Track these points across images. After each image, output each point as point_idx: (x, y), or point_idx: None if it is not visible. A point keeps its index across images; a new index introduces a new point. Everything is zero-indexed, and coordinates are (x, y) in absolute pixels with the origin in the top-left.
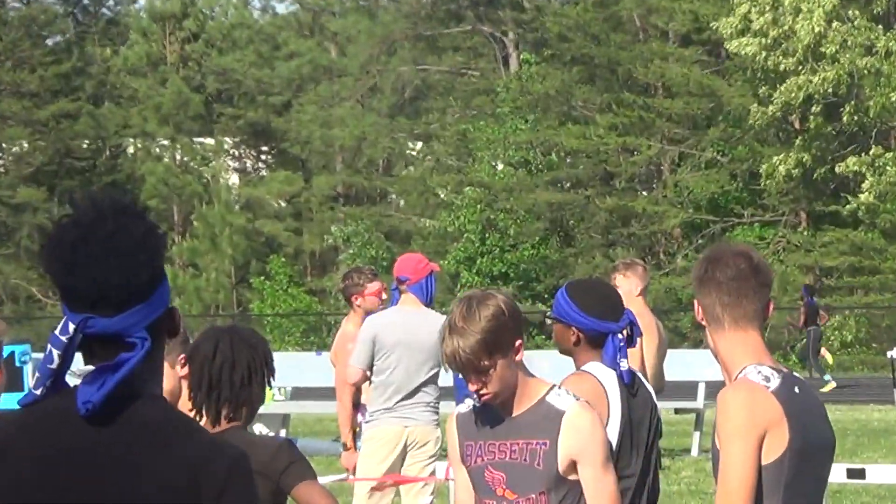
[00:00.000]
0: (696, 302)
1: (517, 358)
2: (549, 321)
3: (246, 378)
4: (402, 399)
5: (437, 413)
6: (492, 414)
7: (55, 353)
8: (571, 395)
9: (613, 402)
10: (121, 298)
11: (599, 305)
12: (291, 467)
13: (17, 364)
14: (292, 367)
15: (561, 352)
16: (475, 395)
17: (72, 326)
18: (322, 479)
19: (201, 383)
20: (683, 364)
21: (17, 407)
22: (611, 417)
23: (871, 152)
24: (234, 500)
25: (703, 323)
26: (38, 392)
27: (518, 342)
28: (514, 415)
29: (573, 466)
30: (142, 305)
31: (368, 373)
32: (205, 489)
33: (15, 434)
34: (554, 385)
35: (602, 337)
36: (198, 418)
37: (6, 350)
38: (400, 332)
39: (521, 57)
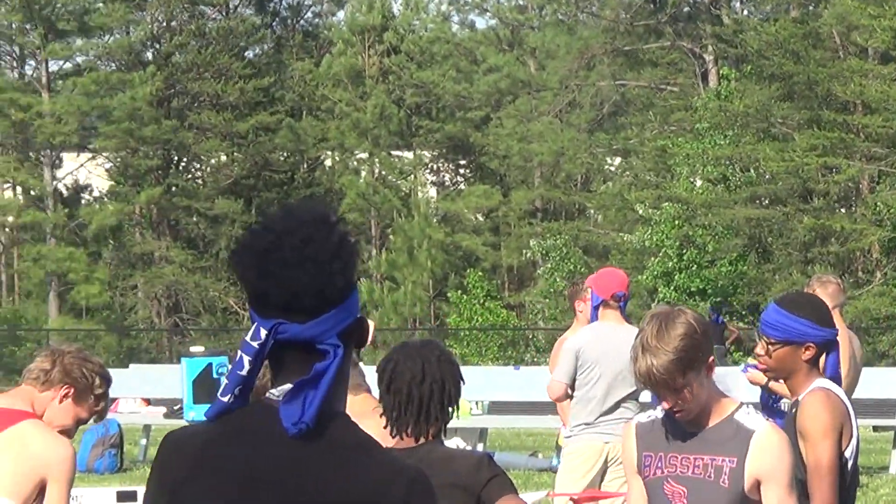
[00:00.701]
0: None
1: (709, 374)
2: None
3: (453, 396)
4: (603, 414)
5: None
6: (676, 427)
7: (246, 359)
8: (760, 415)
9: (854, 417)
10: (313, 304)
11: (822, 313)
12: (493, 481)
13: (215, 376)
14: (490, 381)
15: (777, 377)
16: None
17: (263, 332)
18: (520, 496)
19: (409, 404)
20: (882, 382)
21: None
22: (853, 436)
23: None
24: None
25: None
26: (226, 399)
27: (710, 359)
28: (701, 430)
29: (757, 487)
30: (334, 312)
31: (570, 389)
32: None
33: (207, 450)
34: (742, 403)
35: (828, 347)
36: (397, 437)
37: (203, 362)
38: (602, 346)
39: (721, 73)
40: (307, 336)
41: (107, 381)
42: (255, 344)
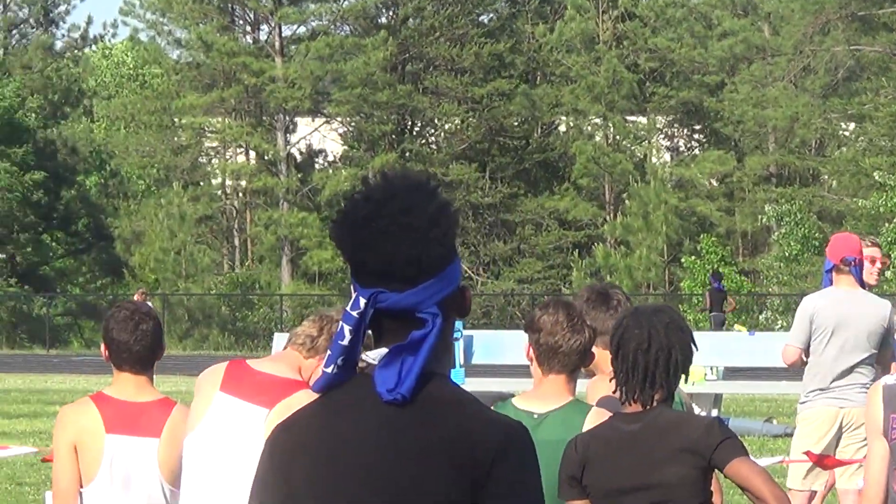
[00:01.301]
0: None
1: None
2: None
3: (680, 364)
4: (837, 379)
5: None
6: None
7: (347, 328)
8: None
9: None
10: (411, 273)
11: None
12: (724, 444)
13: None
14: (725, 346)
15: None
16: None
17: (363, 301)
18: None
19: (634, 370)
20: None
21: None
22: None
23: None
24: (507, 471)
25: None
26: (329, 370)
27: None
28: None
29: None
30: (433, 281)
31: (804, 354)
32: (481, 461)
33: (314, 428)
34: None
35: None
36: (626, 403)
37: None
38: (837, 312)
39: None
40: (406, 305)
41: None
42: (355, 313)
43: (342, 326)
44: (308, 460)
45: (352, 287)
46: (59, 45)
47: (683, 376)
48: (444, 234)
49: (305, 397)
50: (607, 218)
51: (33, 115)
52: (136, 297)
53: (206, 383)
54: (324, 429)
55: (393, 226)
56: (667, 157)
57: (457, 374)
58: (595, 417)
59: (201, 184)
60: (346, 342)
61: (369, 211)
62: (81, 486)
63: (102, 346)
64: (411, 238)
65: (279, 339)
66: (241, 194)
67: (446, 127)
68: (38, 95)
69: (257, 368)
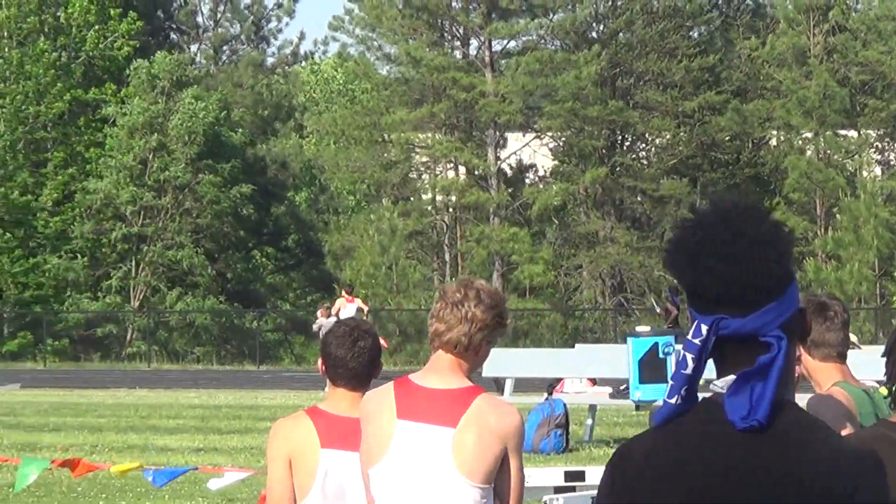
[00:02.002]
0: None
1: None
2: None
3: None
4: None
5: None
6: None
7: (689, 357)
8: None
9: None
10: (751, 298)
11: None
12: None
13: (661, 356)
14: None
15: None
16: None
17: (704, 328)
18: None
19: None
20: None
21: (661, 398)
22: None
23: None
24: (868, 497)
25: None
26: (673, 401)
27: None
28: None
29: None
30: (773, 304)
31: None
32: (840, 491)
33: (654, 453)
34: None
35: None
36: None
37: (650, 341)
38: None
39: None
40: (749, 329)
41: None
42: (696, 341)
43: (684, 355)
44: (651, 487)
45: (688, 314)
46: (269, 61)
47: None
48: (781, 255)
49: (484, 402)
50: (818, 232)
51: (239, 129)
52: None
53: (378, 411)
54: (668, 457)
55: (728, 251)
56: (877, 170)
57: None
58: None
59: (411, 199)
60: (688, 371)
61: (702, 237)
62: (295, 502)
63: (319, 361)
64: (747, 262)
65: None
66: (451, 209)
67: (657, 142)
68: (245, 110)
69: (424, 385)
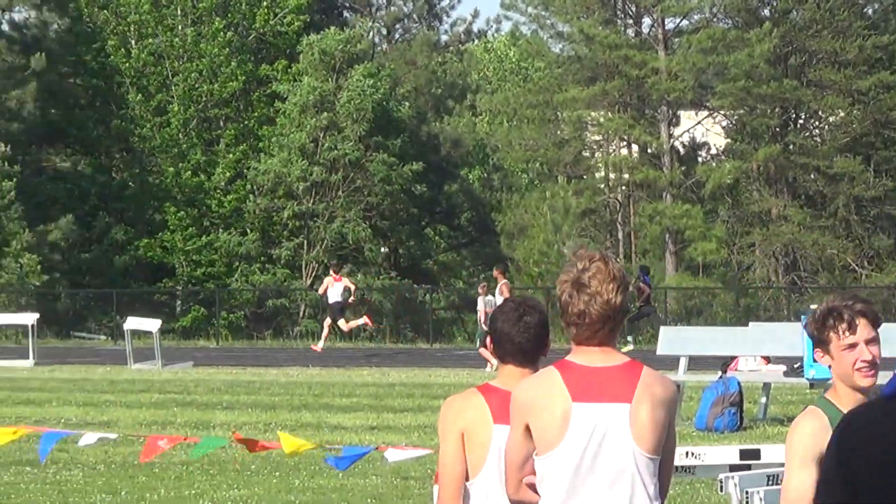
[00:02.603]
0: None
1: None
2: None
3: None
4: None
5: None
6: None
7: None
8: None
9: None
10: None
11: None
12: None
13: None
14: None
15: None
16: None
17: None
18: None
19: None
20: None
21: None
22: None
23: None
24: None
25: None
26: None
27: None
28: None
29: None
30: None
31: None
32: None
33: (876, 423)
34: None
35: None
36: None
37: None
38: None
39: None
40: None
41: None
42: None
43: None
44: (872, 456)
45: None
46: (443, 39)
47: None
48: None
49: (647, 372)
50: None
51: (407, 105)
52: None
53: (547, 396)
54: (890, 428)
55: None
56: None
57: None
58: None
59: (584, 177)
60: None
61: None
62: (468, 479)
63: (488, 339)
64: None
65: (663, 333)
66: (623, 187)
67: (830, 119)
68: (418, 88)
69: (589, 365)
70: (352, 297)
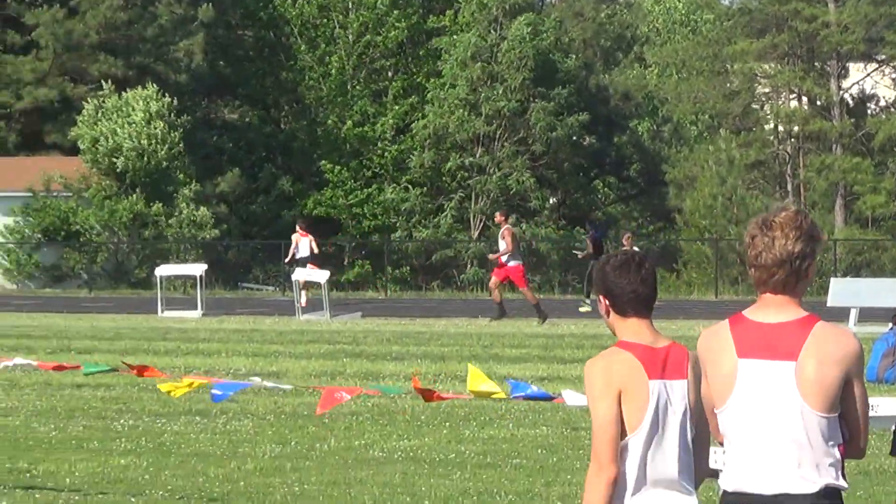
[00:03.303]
0: None
1: None
2: None
3: None
4: None
5: None
6: None
7: None
8: None
9: None
10: None
11: None
12: None
13: None
14: None
15: None
16: None
17: None
18: None
19: None
20: None
21: None
22: None
23: None
24: None
25: None
26: None
27: None
28: None
29: None
30: None
31: None
32: None
33: None
34: None
35: None
36: None
37: None
38: None
39: None
40: None
41: None
42: None
43: None
44: None
45: None
46: None
47: None
48: None
49: (821, 328)
50: None
51: (572, 57)
52: (624, 242)
53: (719, 350)
54: None
55: None
56: None
57: None
58: None
59: (753, 129)
60: None
61: None
62: (625, 435)
63: (600, 298)
64: None
65: (834, 284)
66: (793, 139)
67: None
68: (587, 41)
69: (761, 320)
70: (314, 254)
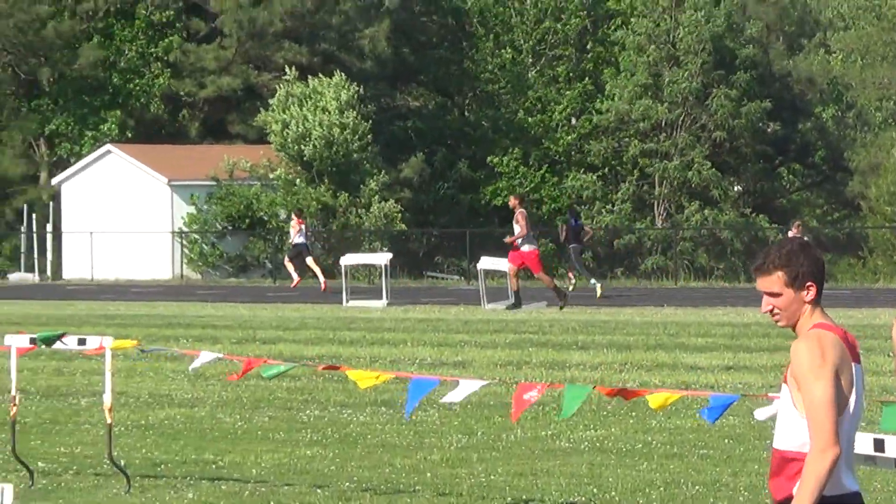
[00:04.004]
0: None
1: None
2: None
3: None
4: None
5: None
6: None
7: None
8: None
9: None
10: None
11: None
12: None
13: None
14: None
15: None
16: None
17: None
18: None
19: None
20: None
21: None
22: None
23: None
24: None
25: None
26: None
27: None
28: None
29: None
30: None
31: None
32: None
33: None
34: None
35: None
36: None
37: None
38: None
39: None
40: None
41: None
42: None
43: None
44: None
45: None
46: None
47: None
48: None
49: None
50: None
51: (751, 46)
52: (791, 232)
53: (845, 351)
54: None
55: None
56: None
57: None
58: None
59: None
60: None
61: None
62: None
63: (808, 283)
64: None
65: None
66: None
67: None
68: (770, 26)
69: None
70: (297, 240)
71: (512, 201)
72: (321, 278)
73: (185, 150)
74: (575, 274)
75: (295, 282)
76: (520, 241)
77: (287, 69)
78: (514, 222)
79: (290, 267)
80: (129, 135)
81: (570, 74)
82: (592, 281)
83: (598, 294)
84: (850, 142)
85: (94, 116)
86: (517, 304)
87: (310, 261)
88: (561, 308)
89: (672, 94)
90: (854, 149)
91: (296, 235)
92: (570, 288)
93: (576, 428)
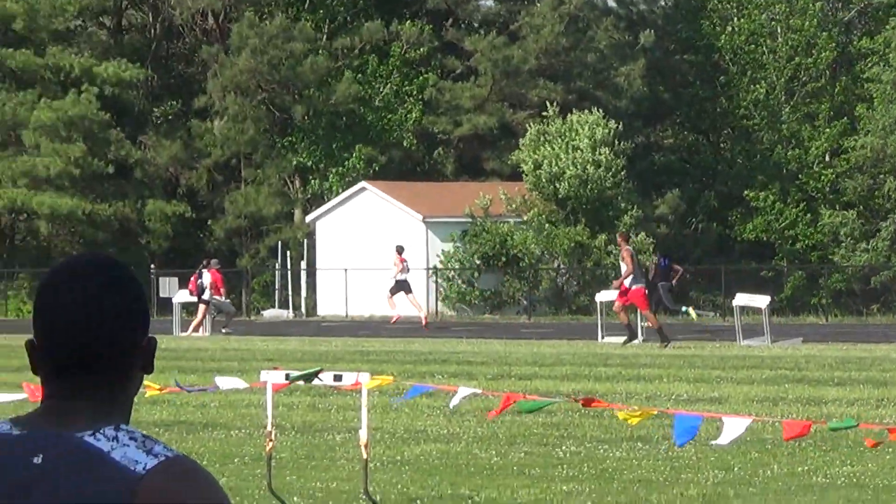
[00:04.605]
0: None
1: None
2: None
3: None
4: None
5: None
6: None
7: None
8: None
9: None
10: None
11: None
12: None
13: None
14: None
15: None
16: None
17: None
18: None
19: None
20: None
21: None
22: None
23: None
24: None
25: None
26: None
27: None
28: None
29: None
30: None
31: None
32: None
33: None
34: None
35: None
36: None
37: None
38: None
39: None
40: None
41: None
42: None
43: None
44: None
45: None
46: None
47: None
48: None
49: None
50: None
51: None
52: None
53: None
54: None
55: None
56: None
57: None
58: None
59: None
60: None
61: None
62: None
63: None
64: None
65: None
66: None
67: None
68: None
69: None
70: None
71: (619, 239)
72: (422, 314)
73: (439, 188)
74: (697, 312)
75: (395, 318)
76: (627, 280)
77: (548, 105)
78: (620, 260)
79: (391, 303)
80: (376, 169)
81: (831, 113)
82: (683, 308)
83: (694, 318)
84: None
85: (343, 152)
86: (632, 338)
87: (411, 297)
88: (664, 347)
89: None
90: None
91: (398, 273)
92: (700, 319)
93: (832, 464)
